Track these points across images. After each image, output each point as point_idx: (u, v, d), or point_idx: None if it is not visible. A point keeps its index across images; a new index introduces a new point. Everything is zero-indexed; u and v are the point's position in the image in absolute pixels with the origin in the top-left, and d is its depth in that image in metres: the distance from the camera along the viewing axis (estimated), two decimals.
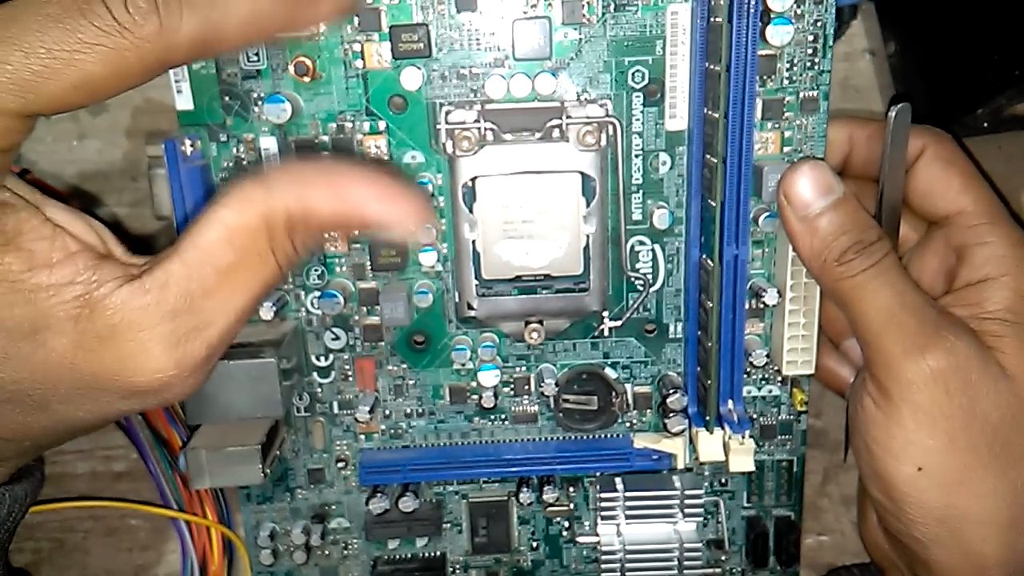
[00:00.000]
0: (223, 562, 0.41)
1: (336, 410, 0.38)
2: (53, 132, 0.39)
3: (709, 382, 0.35)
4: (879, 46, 0.39)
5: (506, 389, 0.38)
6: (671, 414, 0.37)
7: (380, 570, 0.40)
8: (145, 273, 0.24)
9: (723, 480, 0.40)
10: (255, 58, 0.33)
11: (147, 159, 0.34)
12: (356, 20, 0.33)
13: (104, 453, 0.43)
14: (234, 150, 0.34)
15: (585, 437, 0.39)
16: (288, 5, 0.25)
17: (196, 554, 0.41)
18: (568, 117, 0.33)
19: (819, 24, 0.33)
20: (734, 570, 0.42)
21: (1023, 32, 0.32)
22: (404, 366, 0.38)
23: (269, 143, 0.34)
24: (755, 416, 0.39)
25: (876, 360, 0.31)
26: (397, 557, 0.41)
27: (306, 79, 0.33)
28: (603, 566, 0.40)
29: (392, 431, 0.39)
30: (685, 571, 0.39)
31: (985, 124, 0.36)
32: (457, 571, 0.41)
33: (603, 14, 0.33)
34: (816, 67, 0.34)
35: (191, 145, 0.33)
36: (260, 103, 0.33)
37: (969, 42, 0.35)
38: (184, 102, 0.33)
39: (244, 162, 0.34)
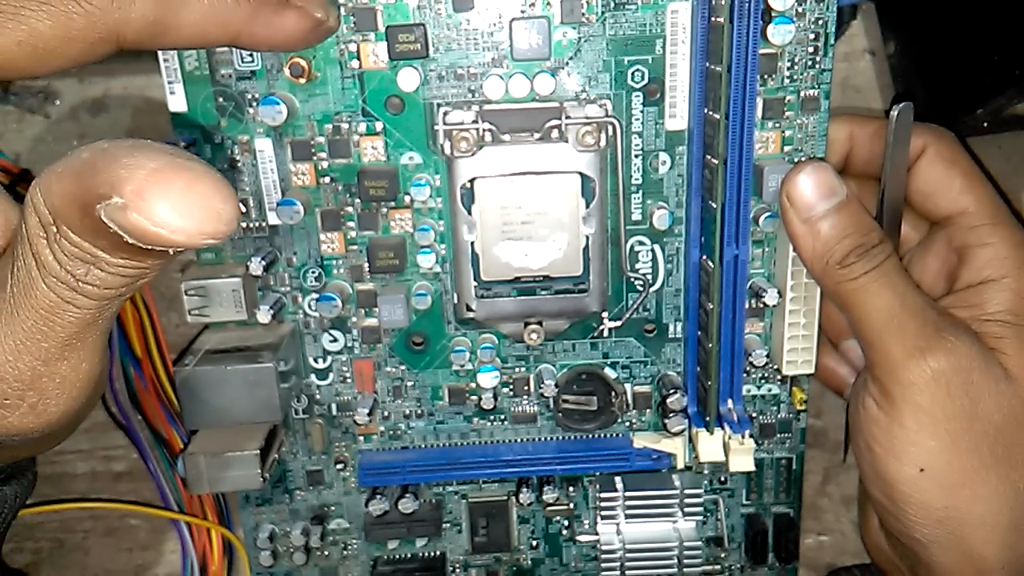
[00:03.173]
0: (223, 562, 0.41)
1: (335, 412, 0.38)
2: (53, 132, 0.39)
3: (709, 383, 0.35)
4: (879, 46, 0.39)
5: (505, 390, 0.38)
6: (671, 414, 0.37)
7: (380, 570, 0.40)
8: None
9: (722, 478, 0.40)
10: (249, 59, 0.32)
11: None
12: (352, 20, 0.32)
13: (104, 453, 0.43)
14: (229, 152, 0.34)
15: (585, 437, 0.39)
16: (249, 10, 0.24)
17: (196, 554, 0.41)
18: (567, 117, 0.33)
19: (820, 23, 0.33)
20: (733, 567, 0.42)
21: (1023, 32, 0.32)
22: (403, 367, 0.37)
23: (264, 145, 0.34)
24: (754, 415, 0.39)
25: (878, 361, 0.31)
26: (397, 557, 0.41)
27: (301, 80, 0.32)
28: (603, 565, 0.40)
29: (391, 432, 0.38)
30: (685, 569, 0.39)
31: (985, 124, 0.36)
32: (457, 570, 0.41)
33: (602, 13, 0.32)
34: (817, 66, 0.33)
35: (185, 147, 0.33)
36: (255, 104, 0.33)
37: (969, 42, 0.34)
38: (177, 103, 0.33)
39: (239, 164, 0.34)
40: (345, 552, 0.40)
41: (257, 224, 0.35)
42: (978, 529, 0.31)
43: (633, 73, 0.33)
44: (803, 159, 0.34)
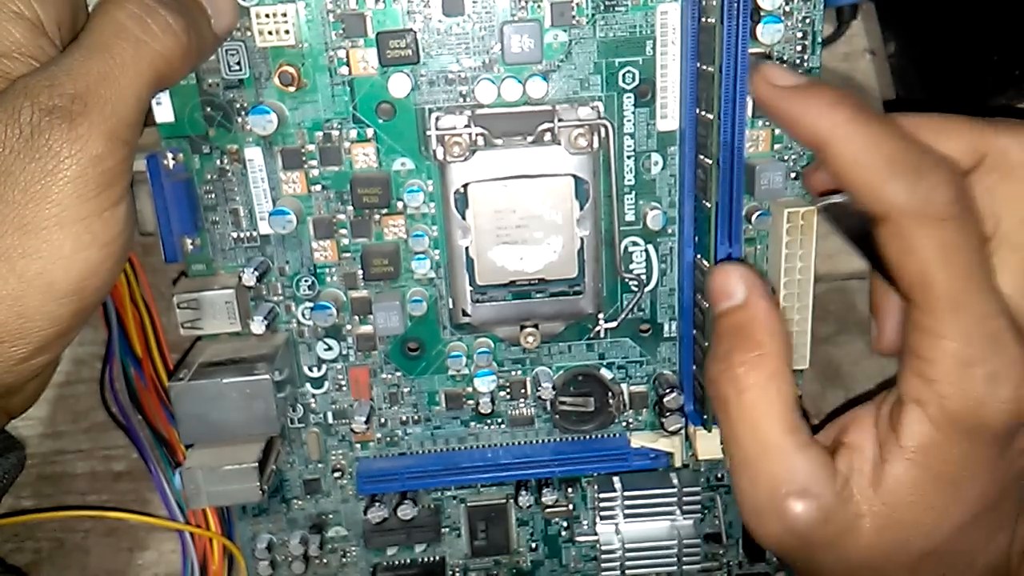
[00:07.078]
0: (223, 563, 0.41)
1: (331, 420, 0.38)
2: None
3: None
4: (879, 46, 0.39)
5: (502, 393, 0.38)
6: (668, 413, 0.37)
7: None
8: None
9: (719, 475, 0.41)
10: (237, 67, 0.32)
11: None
12: (341, 26, 0.32)
13: (104, 453, 0.43)
14: (217, 161, 0.33)
15: (582, 438, 0.39)
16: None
17: (196, 555, 0.41)
18: (559, 120, 0.33)
19: (808, 21, 0.33)
20: (731, 563, 0.42)
21: (1023, 32, 0.32)
22: (398, 374, 0.37)
23: (254, 154, 0.33)
24: None
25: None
26: (396, 563, 0.41)
27: (291, 88, 0.32)
28: (603, 564, 0.40)
29: (388, 439, 0.38)
30: (684, 567, 0.40)
31: None
32: (457, 575, 0.41)
33: (592, 15, 0.32)
34: (805, 64, 0.33)
35: (173, 158, 0.33)
36: (243, 113, 0.33)
37: (969, 42, 0.34)
38: (164, 114, 0.33)
39: (228, 173, 0.34)
40: (344, 560, 0.40)
41: (248, 234, 0.34)
42: None
43: (624, 74, 0.33)
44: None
